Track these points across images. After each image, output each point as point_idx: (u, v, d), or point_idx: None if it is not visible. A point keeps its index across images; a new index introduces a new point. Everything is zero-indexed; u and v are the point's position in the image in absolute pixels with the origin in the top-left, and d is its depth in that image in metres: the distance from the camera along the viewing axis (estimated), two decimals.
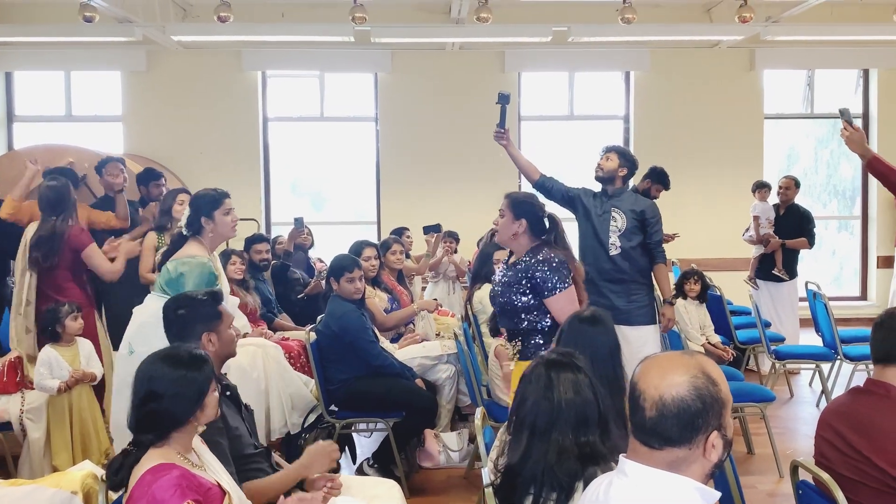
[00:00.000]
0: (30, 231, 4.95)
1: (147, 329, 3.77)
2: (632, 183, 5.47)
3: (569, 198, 5.01)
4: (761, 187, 7.39)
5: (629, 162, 4.98)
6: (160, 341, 3.13)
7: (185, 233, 4.04)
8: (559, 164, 10.18)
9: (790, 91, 10.05)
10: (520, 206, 3.72)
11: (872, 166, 4.08)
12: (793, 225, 7.21)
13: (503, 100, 4.71)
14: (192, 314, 3.04)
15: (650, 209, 4.90)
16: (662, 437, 1.71)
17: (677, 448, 1.72)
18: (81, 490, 2.89)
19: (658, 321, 4.97)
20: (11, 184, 7.42)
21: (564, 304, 3.58)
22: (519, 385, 2.50)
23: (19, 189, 5.54)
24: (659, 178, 6.86)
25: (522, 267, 3.66)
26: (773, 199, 7.46)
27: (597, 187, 5.02)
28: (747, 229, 7.49)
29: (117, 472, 2.31)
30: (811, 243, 7.19)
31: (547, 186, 5.02)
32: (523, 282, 3.63)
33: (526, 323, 3.66)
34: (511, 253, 3.87)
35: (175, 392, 2.33)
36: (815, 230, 7.24)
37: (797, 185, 7.37)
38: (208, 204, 4.03)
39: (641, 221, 4.84)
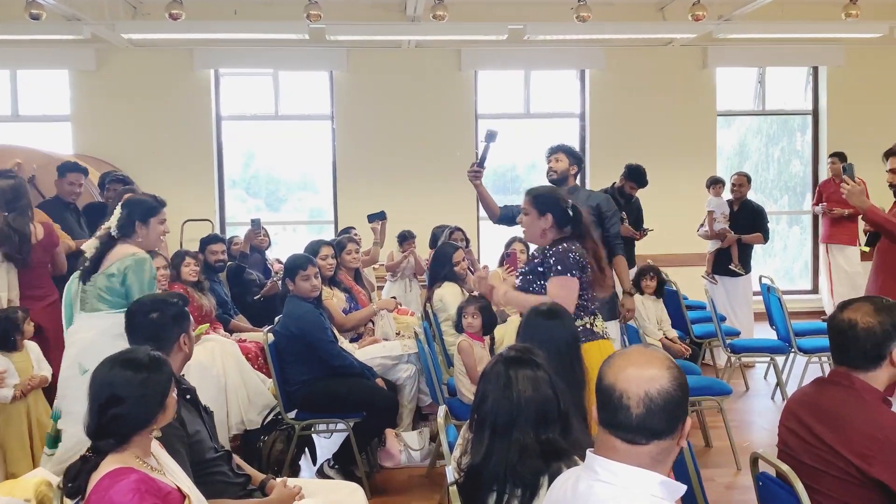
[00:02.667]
0: None
1: (100, 347, 3.60)
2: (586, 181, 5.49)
3: None
4: (715, 183, 7.50)
5: (577, 158, 5.01)
6: None
7: (113, 234, 3.90)
8: (515, 162, 10.23)
9: (742, 88, 10.21)
10: (543, 201, 3.70)
11: (868, 218, 4.27)
12: (746, 220, 7.32)
13: (490, 138, 4.57)
14: (166, 317, 2.98)
15: (605, 202, 4.95)
16: (651, 431, 1.73)
17: (663, 440, 1.74)
18: (35, 497, 2.81)
19: (618, 315, 5.00)
20: None
21: (558, 289, 3.54)
22: (479, 383, 2.50)
23: None
24: (631, 175, 6.90)
25: (538, 260, 3.70)
26: (726, 194, 7.57)
27: None
28: (702, 224, 7.59)
29: (75, 478, 2.26)
30: (766, 238, 7.31)
31: (508, 216, 5.02)
32: (539, 270, 3.67)
33: None
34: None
35: (139, 395, 2.30)
36: (768, 225, 7.36)
37: (749, 181, 7.49)
38: (147, 210, 3.94)
39: (598, 215, 4.86)
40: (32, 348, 4.56)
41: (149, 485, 2.24)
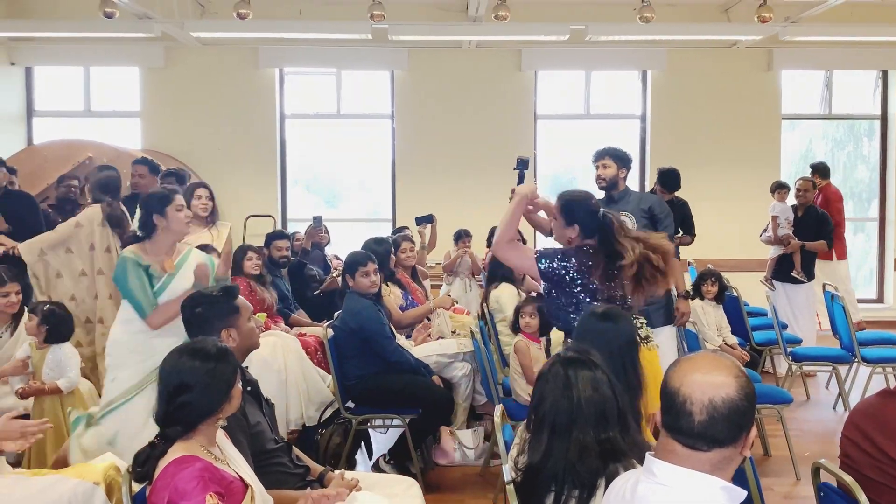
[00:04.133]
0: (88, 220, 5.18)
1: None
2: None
3: None
4: (781, 188, 7.36)
5: (624, 161, 4.89)
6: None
7: (139, 234, 3.92)
8: (573, 164, 10.19)
9: (808, 91, 10.00)
10: (570, 213, 3.65)
11: None
12: (810, 226, 7.18)
13: (522, 165, 4.56)
14: (209, 311, 3.06)
15: (658, 204, 4.87)
16: (713, 439, 1.71)
17: (725, 448, 1.72)
18: (104, 481, 2.91)
19: (673, 319, 4.94)
20: (31, 177, 7.53)
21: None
22: (536, 384, 2.50)
23: None
24: (659, 179, 6.78)
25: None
26: (791, 200, 7.43)
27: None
28: (765, 229, 7.46)
29: (143, 463, 2.33)
30: (829, 246, 7.15)
31: None
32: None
33: None
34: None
35: (206, 384, 2.37)
36: (832, 232, 7.20)
37: (814, 186, 7.35)
38: (160, 200, 3.89)
39: (651, 218, 4.80)
40: (55, 351, 4.27)
41: (213, 473, 2.30)
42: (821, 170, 8.15)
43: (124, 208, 5.32)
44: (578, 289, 3.58)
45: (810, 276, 7.22)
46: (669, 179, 6.77)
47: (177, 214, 3.89)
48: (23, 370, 4.29)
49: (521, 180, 4.59)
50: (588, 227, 3.62)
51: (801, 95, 9.97)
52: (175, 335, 3.69)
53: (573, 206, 3.66)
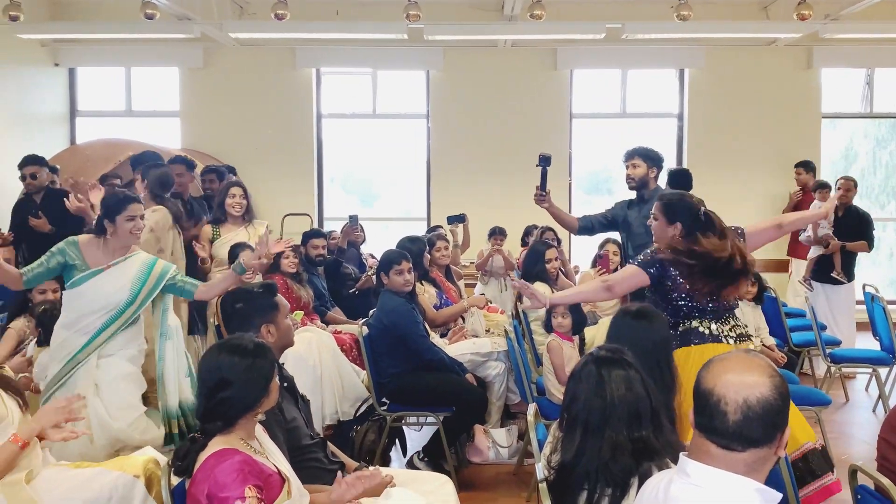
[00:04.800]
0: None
1: None
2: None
3: (609, 222, 5.03)
4: (822, 187, 7.28)
5: (654, 160, 4.91)
6: None
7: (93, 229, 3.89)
8: (610, 163, 10.14)
9: (849, 89, 9.84)
10: (673, 210, 3.62)
11: None
12: (851, 227, 7.07)
13: (544, 162, 4.65)
14: (249, 307, 3.11)
15: None
16: (748, 439, 1.70)
17: (760, 448, 1.71)
18: (143, 474, 2.97)
19: None
20: (74, 176, 7.67)
21: (619, 273, 3.75)
22: (569, 383, 2.50)
23: None
24: (671, 181, 6.68)
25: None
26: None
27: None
28: (804, 229, 7.36)
29: (184, 457, 2.38)
30: (870, 246, 7.04)
31: (588, 227, 5.05)
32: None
33: None
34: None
35: (245, 379, 2.41)
36: (874, 232, 7.09)
37: (855, 185, 7.24)
38: (111, 208, 3.78)
39: None
40: (46, 352, 4.06)
41: (252, 466, 2.34)
42: (812, 168, 8.05)
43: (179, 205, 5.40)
44: (676, 294, 3.54)
45: (850, 276, 7.12)
46: (680, 180, 6.69)
47: (125, 224, 3.77)
48: (25, 366, 4.30)
49: (543, 177, 4.62)
50: (689, 224, 3.58)
51: (841, 93, 9.81)
52: (86, 334, 3.74)
53: (674, 206, 3.64)
